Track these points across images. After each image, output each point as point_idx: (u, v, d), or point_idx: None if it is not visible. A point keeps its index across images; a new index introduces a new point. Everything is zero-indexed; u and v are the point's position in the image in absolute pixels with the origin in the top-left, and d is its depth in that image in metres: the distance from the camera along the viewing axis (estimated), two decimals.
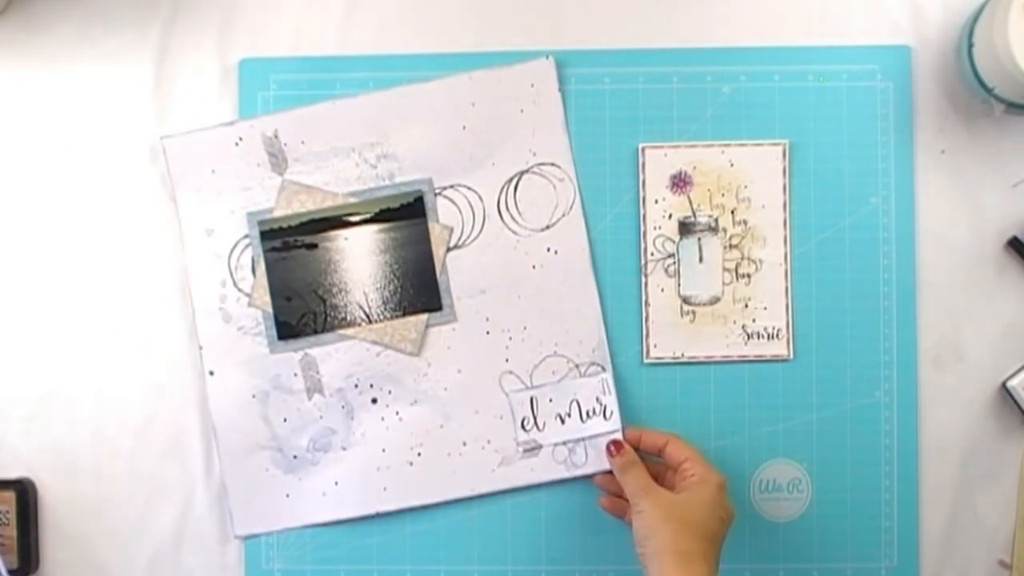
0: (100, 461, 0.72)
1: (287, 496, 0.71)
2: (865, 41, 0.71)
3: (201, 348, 0.71)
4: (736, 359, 0.71)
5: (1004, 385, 0.70)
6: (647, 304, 0.71)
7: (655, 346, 0.71)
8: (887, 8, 0.72)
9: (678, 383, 0.71)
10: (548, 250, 0.71)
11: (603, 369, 0.71)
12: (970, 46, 0.67)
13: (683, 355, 0.71)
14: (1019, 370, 0.70)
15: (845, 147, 0.71)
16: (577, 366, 0.71)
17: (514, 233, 0.71)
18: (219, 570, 0.72)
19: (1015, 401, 0.70)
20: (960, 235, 0.71)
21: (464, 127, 0.71)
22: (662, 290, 0.71)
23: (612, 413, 0.70)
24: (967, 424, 0.71)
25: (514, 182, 0.71)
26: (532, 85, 0.71)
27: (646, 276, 0.71)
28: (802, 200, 0.71)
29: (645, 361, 0.71)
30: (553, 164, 0.71)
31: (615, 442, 0.69)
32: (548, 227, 0.71)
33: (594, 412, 0.70)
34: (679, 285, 0.71)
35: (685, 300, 0.71)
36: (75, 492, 0.72)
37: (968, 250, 0.71)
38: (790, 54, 0.71)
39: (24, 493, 0.71)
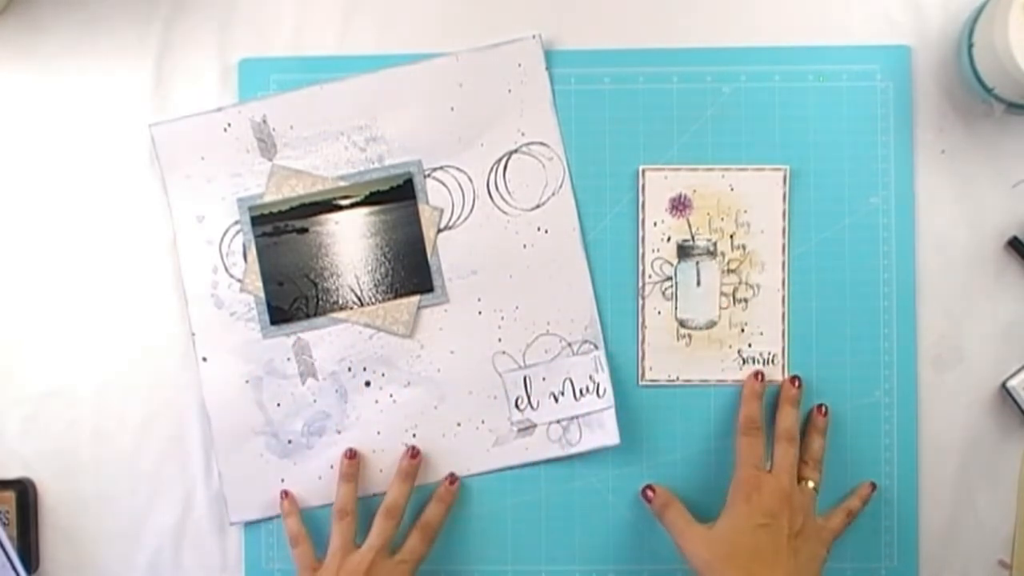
0: (100, 461, 0.72)
1: (282, 481, 0.71)
2: (865, 41, 0.71)
3: (194, 335, 0.71)
4: (731, 383, 0.71)
5: (1004, 385, 0.70)
6: (643, 326, 0.71)
7: (650, 368, 0.71)
8: (887, 8, 0.72)
9: (677, 407, 0.71)
10: (539, 229, 0.71)
11: (595, 347, 0.71)
12: (970, 46, 0.67)
13: (678, 378, 0.71)
14: (1019, 370, 0.70)
15: (845, 147, 0.71)
16: (569, 344, 0.71)
17: (504, 213, 0.71)
18: (219, 570, 0.72)
19: (1015, 401, 0.70)
20: (960, 235, 0.71)
21: (452, 108, 0.71)
22: (659, 313, 0.71)
23: (605, 391, 0.70)
24: (967, 424, 0.71)
25: (503, 162, 0.71)
26: (519, 65, 0.71)
27: (643, 298, 0.71)
28: (802, 200, 0.71)
29: (640, 383, 0.71)
30: (542, 143, 0.71)
31: (648, 487, 0.69)
32: (538, 206, 0.71)
33: (587, 390, 0.71)
34: (676, 308, 0.71)
35: (682, 323, 0.71)
36: (75, 492, 0.72)
37: (968, 250, 0.71)
38: (790, 54, 0.71)
39: (24, 493, 0.71)
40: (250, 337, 0.71)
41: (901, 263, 0.71)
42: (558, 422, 0.71)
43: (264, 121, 0.71)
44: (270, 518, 0.72)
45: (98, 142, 0.72)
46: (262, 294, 0.71)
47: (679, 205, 0.71)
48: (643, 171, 0.71)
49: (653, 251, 0.71)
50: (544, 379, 0.71)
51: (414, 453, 0.70)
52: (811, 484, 0.67)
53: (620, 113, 0.71)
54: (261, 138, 0.71)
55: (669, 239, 0.71)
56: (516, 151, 0.71)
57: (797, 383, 0.69)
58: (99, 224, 0.72)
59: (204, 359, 0.72)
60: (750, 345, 0.71)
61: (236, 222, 0.71)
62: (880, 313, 0.71)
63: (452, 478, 0.70)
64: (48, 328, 0.72)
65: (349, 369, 0.71)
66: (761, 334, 0.71)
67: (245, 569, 0.72)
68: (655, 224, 0.71)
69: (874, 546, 0.71)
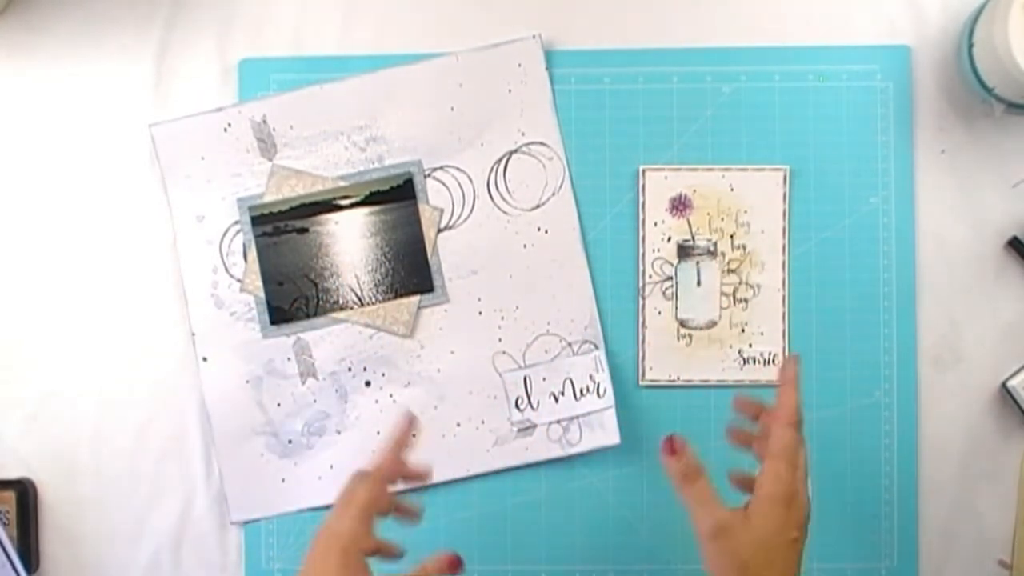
0: (100, 461, 0.72)
1: (283, 481, 0.71)
2: (865, 41, 0.71)
3: (194, 335, 0.71)
4: (732, 384, 0.71)
5: (1004, 385, 0.70)
6: (644, 326, 0.71)
7: (651, 368, 0.71)
8: (887, 8, 0.72)
9: (677, 407, 0.71)
10: (539, 229, 0.71)
11: (595, 347, 0.71)
12: (970, 46, 0.67)
13: (679, 378, 0.71)
14: (1019, 370, 0.70)
15: (845, 147, 0.71)
16: (569, 344, 0.71)
17: (504, 213, 0.71)
18: (219, 570, 0.72)
19: (1015, 401, 0.70)
20: (960, 235, 0.71)
21: (452, 108, 0.71)
22: (659, 313, 0.71)
23: (605, 390, 0.70)
24: (967, 424, 0.71)
25: (503, 162, 0.71)
26: (519, 65, 0.71)
27: (643, 298, 0.71)
28: (802, 200, 0.71)
29: (640, 383, 0.71)
30: (542, 143, 0.71)
31: (671, 439, 0.58)
32: (538, 206, 0.71)
33: (588, 390, 0.71)
34: (676, 308, 0.71)
35: (682, 323, 0.71)
36: (75, 492, 0.72)
37: (968, 250, 0.71)
38: (790, 54, 0.71)
39: (24, 493, 0.71)
40: (250, 337, 0.71)
41: (901, 263, 0.71)
42: (558, 422, 0.71)
43: (264, 121, 0.71)
44: (270, 517, 0.72)
45: (98, 142, 0.72)
46: (262, 294, 0.71)
47: (679, 205, 0.71)
48: (643, 171, 0.71)
49: (653, 251, 0.71)
50: (544, 379, 0.71)
51: (453, 563, 0.58)
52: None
53: (620, 113, 0.71)
54: (261, 138, 0.71)
55: (669, 239, 0.71)
56: (516, 151, 0.71)
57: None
58: (99, 224, 0.72)
59: (204, 359, 0.72)
60: (750, 345, 0.71)
61: (236, 222, 0.71)
62: (880, 313, 0.71)
63: (454, 562, 0.58)
64: (48, 328, 0.72)
65: (349, 369, 0.71)
66: (761, 334, 0.71)
67: (245, 569, 0.72)
68: (655, 224, 0.71)
69: (874, 546, 0.71)
